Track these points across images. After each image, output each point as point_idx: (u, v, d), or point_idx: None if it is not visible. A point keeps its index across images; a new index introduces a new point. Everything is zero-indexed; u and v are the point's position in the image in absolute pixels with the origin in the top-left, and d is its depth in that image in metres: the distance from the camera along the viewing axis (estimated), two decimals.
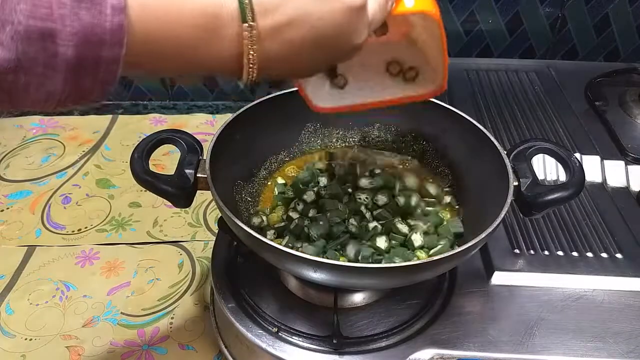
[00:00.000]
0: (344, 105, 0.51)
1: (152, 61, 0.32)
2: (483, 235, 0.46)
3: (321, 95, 0.50)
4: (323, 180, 0.61)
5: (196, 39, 0.31)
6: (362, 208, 0.58)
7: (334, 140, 0.68)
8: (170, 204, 0.52)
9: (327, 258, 0.50)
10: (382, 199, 0.59)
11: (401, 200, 0.58)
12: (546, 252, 0.61)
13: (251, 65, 0.33)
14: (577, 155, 0.73)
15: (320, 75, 0.49)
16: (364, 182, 0.60)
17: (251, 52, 0.32)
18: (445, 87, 0.50)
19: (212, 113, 1.00)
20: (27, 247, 0.73)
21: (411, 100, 0.51)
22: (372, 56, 0.47)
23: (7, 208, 0.79)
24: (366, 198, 0.58)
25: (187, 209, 0.77)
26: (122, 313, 0.64)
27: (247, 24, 0.31)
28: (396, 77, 0.50)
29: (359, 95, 0.51)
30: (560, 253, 0.61)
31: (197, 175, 0.52)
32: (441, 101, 0.61)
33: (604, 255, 0.60)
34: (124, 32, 0.28)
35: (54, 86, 0.28)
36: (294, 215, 0.57)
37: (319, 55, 0.36)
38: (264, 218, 0.58)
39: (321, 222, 0.54)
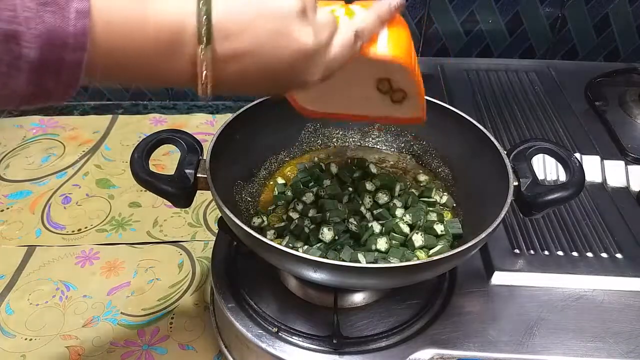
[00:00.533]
0: (329, 112, 0.50)
1: (113, 69, 0.32)
2: (483, 235, 0.46)
3: (307, 97, 0.50)
4: (326, 182, 0.61)
5: (157, 52, 0.32)
6: (362, 208, 0.58)
7: (334, 140, 0.68)
8: (170, 204, 0.52)
9: (327, 258, 0.50)
10: (382, 198, 0.59)
11: (401, 200, 0.58)
12: (546, 252, 0.61)
13: (205, 84, 0.34)
14: (577, 155, 0.73)
15: None
16: (368, 185, 0.60)
17: (205, 72, 0.33)
18: (424, 120, 0.51)
19: (212, 113, 1.00)
20: (27, 247, 0.73)
21: (393, 122, 0.51)
22: (364, 70, 0.46)
23: (7, 208, 0.79)
24: (369, 200, 0.58)
25: (187, 209, 0.77)
26: (122, 313, 0.64)
27: (201, 46, 0.32)
28: (384, 95, 0.49)
29: (345, 105, 0.50)
30: (560, 253, 0.61)
31: (197, 175, 0.52)
32: (441, 101, 0.61)
33: (604, 255, 0.60)
34: (87, 36, 0.29)
35: (18, 85, 0.29)
36: (294, 215, 0.57)
37: (270, 84, 0.37)
38: (264, 218, 0.58)
39: (328, 229, 0.54)
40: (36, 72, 0.29)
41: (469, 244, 0.45)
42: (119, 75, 0.34)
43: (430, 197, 0.60)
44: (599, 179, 0.71)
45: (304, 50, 0.35)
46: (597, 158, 0.73)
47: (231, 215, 0.46)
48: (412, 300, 0.56)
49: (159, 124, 0.97)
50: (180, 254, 0.72)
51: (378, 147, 0.68)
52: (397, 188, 0.60)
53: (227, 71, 0.34)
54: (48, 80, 0.29)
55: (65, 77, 0.30)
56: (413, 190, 0.61)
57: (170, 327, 0.63)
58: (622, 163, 0.72)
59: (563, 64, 0.97)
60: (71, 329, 0.63)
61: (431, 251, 0.54)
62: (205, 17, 0.32)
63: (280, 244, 0.46)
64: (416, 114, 0.51)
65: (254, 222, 0.58)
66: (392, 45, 0.40)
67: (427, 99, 0.61)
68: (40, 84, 0.29)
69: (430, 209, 0.59)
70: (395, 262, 0.51)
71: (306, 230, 0.55)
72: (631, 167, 0.72)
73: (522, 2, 0.95)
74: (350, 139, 0.69)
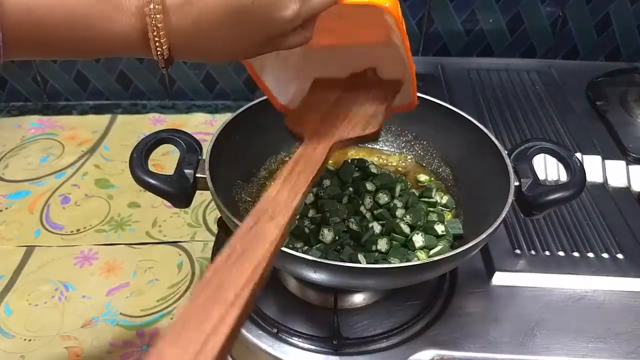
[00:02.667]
0: None
1: (40, 36, 0.28)
2: (484, 235, 0.45)
3: (292, 99, 0.49)
4: (326, 182, 0.60)
5: (90, 10, 0.28)
6: (362, 208, 0.57)
7: None
8: (169, 204, 0.52)
9: (328, 259, 0.50)
10: (382, 198, 0.58)
11: (402, 201, 0.58)
12: (547, 253, 0.60)
13: (159, 42, 0.30)
14: (578, 155, 0.72)
15: (285, 75, 0.47)
16: (368, 185, 0.59)
17: (156, 27, 0.29)
18: (416, 103, 0.48)
19: (211, 113, 1.00)
20: (26, 248, 0.72)
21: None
22: (351, 61, 0.45)
23: (6, 208, 0.78)
24: (370, 200, 0.58)
25: (186, 209, 0.77)
26: (121, 314, 0.64)
27: None
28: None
29: None
30: (561, 253, 0.60)
31: (197, 175, 0.51)
32: (442, 101, 0.61)
33: (605, 255, 0.60)
34: None
35: None
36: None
37: (240, 33, 0.32)
38: None
39: (328, 230, 0.53)
40: None
41: (470, 244, 0.45)
42: (49, 44, 0.29)
43: (431, 197, 0.60)
44: (600, 179, 0.71)
45: None
46: (598, 158, 0.72)
47: (231, 216, 0.46)
48: (413, 300, 0.55)
49: (158, 124, 0.96)
50: (180, 255, 0.72)
51: (378, 147, 0.68)
52: (398, 188, 0.59)
53: (184, 21, 0.29)
54: None
55: None
56: (413, 190, 0.61)
57: None
58: (623, 163, 0.72)
59: (564, 63, 0.97)
60: (70, 330, 0.62)
61: (432, 252, 0.53)
62: None
63: None
64: (407, 99, 0.48)
65: None
66: None
67: (427, 99, 0.62)
68: None
69: (431, 209, 0.58)
70: (395, 263, 0.51)
71: (306, 230, 0.54)
72: (632, 167, 0.72)
73: (523, 1, 0.94)
74: None
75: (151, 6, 0.28)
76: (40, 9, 0.27)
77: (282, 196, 0.36)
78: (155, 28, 0.29)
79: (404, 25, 0.40)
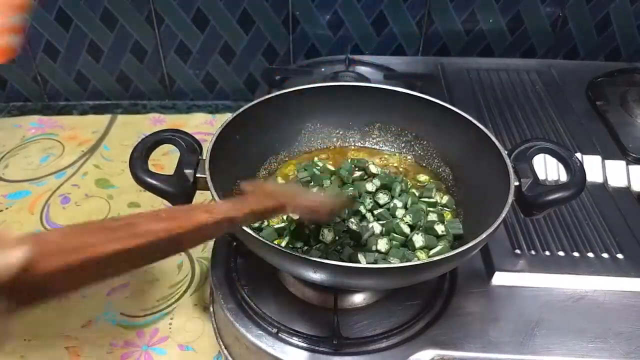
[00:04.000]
0: None
1: None
2: (484, 235, 0.45)
3: None
4: (326, 182, 0.60)
5: None
6: (362, 208, 0.57)
7: (334, 140, 0.68)
8: (169, 204, 0.52)
9: (328, 259, 0.50)
10: (382, 198, 0.58)
11: (401, 201, 0.58)
12: (547, 253, 0.60)
13: None
14: (578, 155, 0.72)
15: None
16: (368, 185, 0.59)
17: None
18: None
19: (211, 113, 1.00)
20: None
21: None
22: None
23: (6, 208, 0.78)
24: (370, 201, 0.58)
25: None
26: (121, 313, 0.64)
27: None
28: None
29: None
30: (561, 253, 0.60)
31: (197, 175, 0.51)
32: (442, 100, 0.61)
33: (605, 255, 0.60)
34: None
35: None
36: (294, 215, 0.57)
37: None
38: None
39: (328, 230, 0.54)
40: None
41: (470, 244, 0.45)
42: None
43: (431, 197, 0.60)
44: (600, 179, 0.71)
45: None
46: (598, 158, 0.72)
47: None
48: (413, 300, 0.55)
49: (158, 124, 0.96)
50: (180, 255, 0.72)
51: (378, 147, 0.68)
52: (398, 188, 0.59)
53: None
54: None
55: None
56: (413, 190, 0.61)
57: (170, 328, 0.63)
58: (623, 163, 0.72)
59: (564, 63, 0.97)
60: (70, 330, 0.62)
61: (432, 252, 0.53)
62: None
63: (280, 244, 0.45)
64: None
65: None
66: None
67: (427, 99, 0.62)
68: None
69: (431, 209, 0.58)
70: (395, 263, 0.51)
71: (306, 230, 0.54)
72: (632, 167, 0.72)
73: (523, 1, 0.94)
74: (351, 139, 0.68)
75: None
76: None
77: (224, 207, 0.39)
78: None
79: None
